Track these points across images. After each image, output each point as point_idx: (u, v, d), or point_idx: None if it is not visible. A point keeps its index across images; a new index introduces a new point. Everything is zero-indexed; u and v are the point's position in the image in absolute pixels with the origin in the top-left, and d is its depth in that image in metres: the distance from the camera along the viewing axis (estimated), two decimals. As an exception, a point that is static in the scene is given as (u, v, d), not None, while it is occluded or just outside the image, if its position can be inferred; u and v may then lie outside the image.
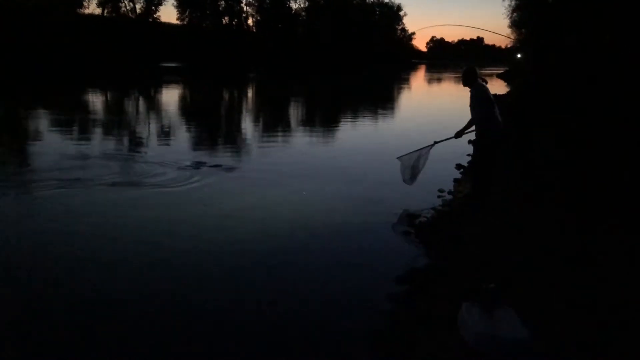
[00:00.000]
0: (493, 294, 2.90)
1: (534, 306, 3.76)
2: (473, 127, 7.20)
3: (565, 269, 4.50)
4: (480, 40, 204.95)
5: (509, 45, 52.01)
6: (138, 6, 76.93)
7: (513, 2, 34.39)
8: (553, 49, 13.49)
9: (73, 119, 17.74)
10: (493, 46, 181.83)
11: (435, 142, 7.75)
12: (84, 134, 14.68)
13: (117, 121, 18.01)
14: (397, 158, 8.12)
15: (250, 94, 35.60)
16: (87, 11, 71.08)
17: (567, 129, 8.22)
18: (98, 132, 15.21)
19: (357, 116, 21.40)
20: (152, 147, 12.64)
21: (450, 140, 7.66)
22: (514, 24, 41.28)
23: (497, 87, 28.24)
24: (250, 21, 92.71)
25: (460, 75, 7.55)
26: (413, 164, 7.87)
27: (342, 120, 20.22)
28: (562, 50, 12.55)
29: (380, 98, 30.91)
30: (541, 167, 7.92)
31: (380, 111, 23.19)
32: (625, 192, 6.56)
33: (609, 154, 7.70)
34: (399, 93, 37.15)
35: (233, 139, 15.05)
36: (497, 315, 2.82)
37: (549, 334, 3.33)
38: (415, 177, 7.94)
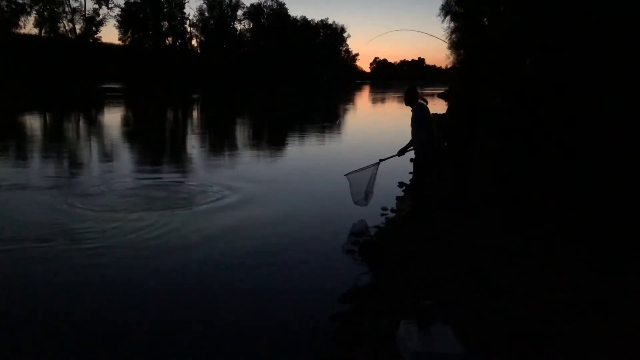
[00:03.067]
0: (429, 311, 2.96)
1: (469, 322, 3.86)
2: None
3: (501, 282, 4.65)
4: (421, 60, 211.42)
5: (448, 66, 53.72)
6: (78, 26, 75.13)
7: (452, 24, 35.49)
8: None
9: (5, 143, 16.95)
10: (434, 67, 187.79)
11: (381, 160, 7.92)
12: (17, 161, 14.06)
13: (52, 146, 17.33)
14: (345, 175, 8.23)
15: (194, 116, 35.14)
16: (22, 31, 69.00)
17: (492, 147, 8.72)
18: (33, 158, 14.59)
19: (303, 136, 21.50)
20: (87, 179, 12.23)
21: (394, 157, 7.85)
22: (453, 45, 42.72)
23: (438, 106, 29.09)
24: (194, 42, 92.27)
25: (402, 94, 7.80)
26: (366, 188, 7.99)
27: (287, 141, 20.27)
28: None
29: (325, 119, 31.22)
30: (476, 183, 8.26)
31: (325, 132, 23.42)
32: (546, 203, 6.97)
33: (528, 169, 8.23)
34: (343, 113, 37.66)
35: (176, 164, 14.75)
36: (433, 332, 2.88)
37: (484, 348, 3.42)
38: (368, 198, 8.08)
